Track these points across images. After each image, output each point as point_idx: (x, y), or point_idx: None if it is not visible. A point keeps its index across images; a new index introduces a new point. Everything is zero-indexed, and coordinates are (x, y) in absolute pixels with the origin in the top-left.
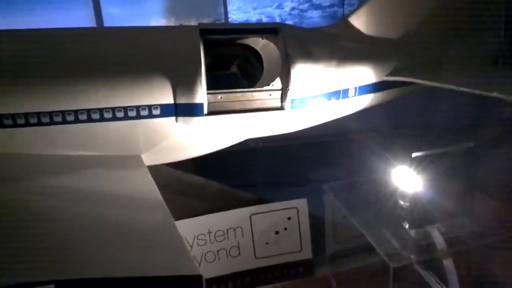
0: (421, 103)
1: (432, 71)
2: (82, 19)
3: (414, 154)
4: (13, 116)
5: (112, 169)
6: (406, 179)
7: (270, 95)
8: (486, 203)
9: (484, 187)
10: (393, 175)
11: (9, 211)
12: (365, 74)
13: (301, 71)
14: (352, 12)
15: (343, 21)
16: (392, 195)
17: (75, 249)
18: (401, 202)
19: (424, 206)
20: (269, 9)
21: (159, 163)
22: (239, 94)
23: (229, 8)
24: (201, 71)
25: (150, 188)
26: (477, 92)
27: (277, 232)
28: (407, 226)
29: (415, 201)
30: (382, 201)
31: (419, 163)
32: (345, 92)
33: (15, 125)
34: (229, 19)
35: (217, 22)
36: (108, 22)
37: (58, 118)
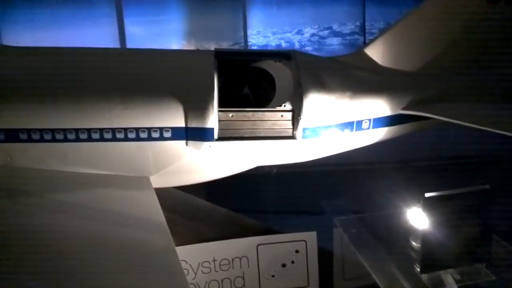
0: (437, 136)
1: (450, 105)
2: (106, 37)
3: (427, 195)
4: (28, 131)
5: (120, 190)
6: (419, 219)
7: (282, 116)
8: (504, 250)
9: (502, 232)
10: (406, 214)
11: (16, 225)
12: (380, 106)
13: (313, 100)
14: (368, 42)
15: (359, 51)
16: (404, 235)
17: (75, 268)
18: (413, 243)
19: (437, 249)
20: (288, 34)
21: (168, 186)
22: (250, 114)
23: (249, 32)
24: (213, 96)
25: (155, 211)
26: (497, 131)
27: (284, 265)
28: (418, 269)
29: (427, 242)
30: (393, 240)
31: (432, 204)
32: (359, 124)
33: (30, 140)
34: (249, 43)
35: (236, 45)
36: (130, 41)
37: (71, 136)
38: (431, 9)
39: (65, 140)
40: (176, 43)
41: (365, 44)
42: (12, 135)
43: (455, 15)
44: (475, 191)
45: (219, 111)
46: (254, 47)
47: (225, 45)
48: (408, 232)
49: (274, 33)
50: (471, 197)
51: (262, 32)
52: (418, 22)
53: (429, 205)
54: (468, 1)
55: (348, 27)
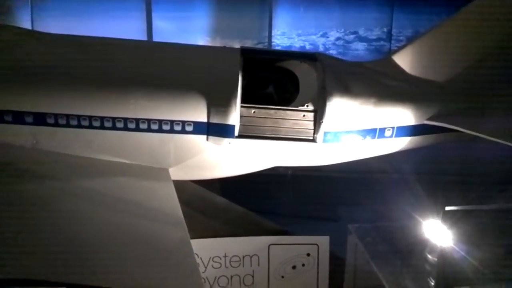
0: (465, 149)
1: (477, 119)
2: (134, 30)
3: (447, 208)
4: (56, 116)
5: (140, 180)
6: (437, 233)
7: (304, 115)
8: None
9: None
10: (424, 226)
11: (39, 208)
12: (404, 115)
13: (337, 104)
14: (397, 49)
15: (387, 58)
16: (420, 247)
17: (91, 255)
18: (429, 256)
19: (454, 264)
20: (313, 37)
21: (186, 179)
22: (272, 111)
23: (274, 32)
24: (236, 94)
25: (172, 204)
26: None
27: (294, 267)
28: (432, 283)
29: (444, 257)
30: (409, 252)
31: (452, 217)
32: (382, 132)
33: (56, 124)
34: (272, 44)
35: (260, 45)
36: (156, 35)
37: (96, 123)
38: (464, 20)
39: (90, 127)
40: (201, 40)
41: (393, 51)
42: (40, 119)
43: (488, 28)
44: (498, 209)
45: (241, 106)
46: (278, 48)
47: (249, 44)
48: (424, 244)
49: (299, 35)
50: (494, 215)
51: (286, 33)
52: (450, 32)
53: (449, 218)
54: (503, 14)
55: (375, 33)
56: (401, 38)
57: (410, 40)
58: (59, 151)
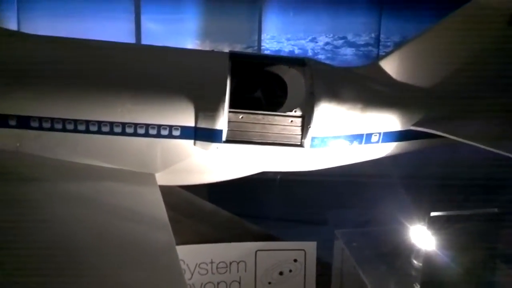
0: (449, 154)
1: (462, 125)
2: (123, 32)
3: (433, 213)
4: (40, 119)
5: (125, 185)
6: (422, 238)
7: (291, 121)
8: (507, 275)
9: (507, 257)
10: (409, 231)
11: (22, 211)
12: (391, 121)
13: (325, 109)
14: (384, 55)
15: (374, 64)
16: (406, 252)
17: (75, 259)
18: (415, 261)
19: (439, 270)
20: (302, 41)
21: (173, 184)
22: (260, 116)
23: (263, 36)
24: (224, 99)
25: (158, 209)
26: (507, 154)
27: (281, 273)
28: None
29: (429, 262)
30: (395, 257)
31: (437, 223)
32: (369, 137)
33: (40, 128)
34: (262, 48)
35: (250, 49)
36: (146, 37)
37: (81, 127)
38: (449, 27)
39: (75, 131)
40: (190, 43)
41: (380, 57)
42: (24, 122)
43: (474, 35)
44: (483, 213)
45: (229, 111)
46: (267, 52)
47: (238, 47)
48: (410, 250)
49: (288, 39)
50: (478, 220)
51: (276, 38)
52: (436, 39)
53: (434, 224)
54: (488, 22)
55: (363, 38)
56: (388, 43)
57: (396, 46)
58: (44, 155)
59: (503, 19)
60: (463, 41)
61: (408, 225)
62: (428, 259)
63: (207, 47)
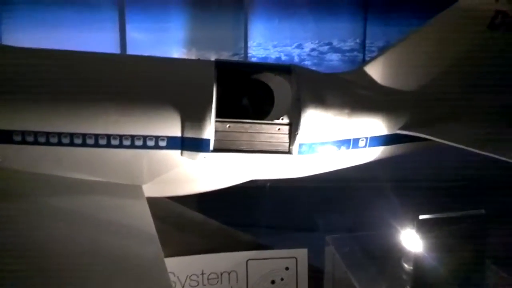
0: (436, 156)
1: (447, 128)
2: (107, 41)
3: (421, 217)
4: (23, 133)
5: (112, 197)
6: (412, 241)
7: (279, 129)
8: (497, 276)
9: (496, 258)
10: (399, 234)
11: (5, 228)
12: (377, 125)
13: (311, 116)
14: (368, 61)
15: (359, 69)
16: (396, 256)
17: (61, 274)
18: (405, 265)
19: (429, 273)
20: (288, 48)
21: (160, 195)
22: (247, 125)
23: (250, 43)
24: (211, 107)
25: (145, 221)
26: (495, 156)
27: (273, 282)
28: None
29: (419, 265)
30: (386, 261)
31: (426, 226)
32: (356, 142)
33: (23, 142)
34: (249, 55)
35: (236, 56)
36: (131, 47)
37: (66, 140)
38: (432, 31)
39: (59, 144)
40: (176, 51)
41: (365, 62)
42: (6, 136)
43: (456, 38)
44: (470, 215)
45: (216, 121)
46: (254, 59)
47: (225, 55)
48: (400, 253)
49: (274, 46)
50: (466, 221)
51: (262, 45)
52: (419, 43)
53: (423, 227)
54: (470, 26)
55: (348, 44)
56: (373, 49)
57: (381, 51)
58: (27, 170)
59: (484, 22)
60: (445, 45)
61: (398, 229)
62: (418, 263)
63: (193, 55)
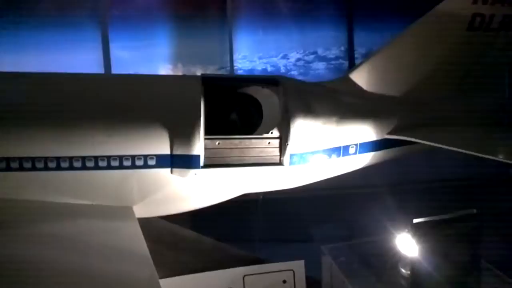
0: (425, 158)
1: (434, 130)
2: (91, 61)
3: (415, 220)
4: (7, 160)
5: (102, 221)
6: (408, 245)
7: (269, 143)
8: (493, 274)
9: (490, 257)
10: (395, 239)
11: None
12: (366, 131)
13: (301, 126)
14: (353, 68)
15: (345, 77)
16: (394, 261)
17: None
18: (403, 270)
19: (426, 276)
20: (274, 59)
21: (152, 215)
22: (237, 141)
23: (235, 56)
24: (200, 123)
25: (138, 243)
26: (482, 155)
27: None
28: None
29: (416, 270)
30: (383, 267)
31: (420, 230)
32: (346, 149)
33: (8, 169)
34: (235, 68)
35: (223, 70)
36: (116, 66)
37: (52, 164)
38: (413, 36)
39: (46, 168)
40: (162, 68)
41: (350, 69)
42: None
43: (436, 42)
44: (462, 216)
45: (205, 138)
46: (240, 71)
47: (211, 69)
48: (397, 259)
49: (260, 58)
50: (459, 223)
51: (248, 57)
52: (401, 48)
53: (417, 231)
54: (450, 29)
55: (333, 52)
56: (356, 55)
57: (365, 58)
58: (13, 197)
59: (463, 25)
60: (427, 49)
61: (393, 233)
62: (415, 267)
63: (179, 70)
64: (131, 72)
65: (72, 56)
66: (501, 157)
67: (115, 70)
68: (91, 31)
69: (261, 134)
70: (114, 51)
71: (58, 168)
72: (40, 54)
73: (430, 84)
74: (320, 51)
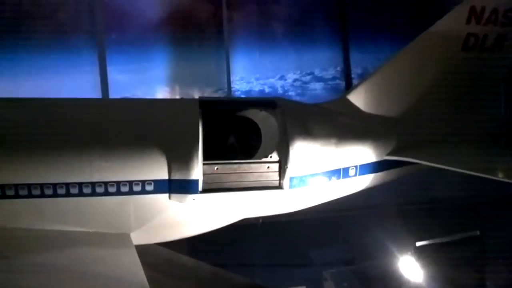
0: (426, 177)
1: (433, 150)
2: (89, 85)
3: (418, 243)
4: (2, 187)
5: (99, 248)
6: (411, 268)
7: (268, 167)
8: None
9: (495, 279)
10: (398, 262)
11: None
12: (365, 153)
13: (300, 148)
14: (350, 89)
15: (342, 98)
16: (397, 286)
17: None
18: None
19: None
20: (271, 80)
21: (149, 242)
22: (236, 166)
23: (232, 78)
24: (198, 147)
25: (136, 271)
26: (481, 175)
27: None
28: None
29: None
30: None
31: (423, 253)
32: (346, 171)
33: (3, 196)
34: (232, 89)
35: (220, 91)
36: (113, 89)
37: (48, 191)
38: (409, 56)
39: (42, 195)
40: (159, 90)
41: (348, 90)
42: None
43: (432, 61)
44: (465, 238)
45: (204, 164)
46: (238, 93)
47: (208, 91)
48: (400, 282)
49: (257, 79)
50: (463, 244)
51: (245, 78)
52: (397, 69)
53: (420, 254)
54: (444, 48)
55: (330, 72)
56: (352, 76)
57: (361, 78)
58: (8, 226)
59: (457, 44)
60: (423, 69)
61: (396, 256)
62: None
63: (176, 93)
64: (129, 95)
65: (70, 79)
66: (500, 176)
67: (113, 93)
68: (88, 54)
69: (260, 157)
70: (111, 74)
71: (55, 195)
72: (38, 78)
73: (426, 104)
74: (317, 72)
